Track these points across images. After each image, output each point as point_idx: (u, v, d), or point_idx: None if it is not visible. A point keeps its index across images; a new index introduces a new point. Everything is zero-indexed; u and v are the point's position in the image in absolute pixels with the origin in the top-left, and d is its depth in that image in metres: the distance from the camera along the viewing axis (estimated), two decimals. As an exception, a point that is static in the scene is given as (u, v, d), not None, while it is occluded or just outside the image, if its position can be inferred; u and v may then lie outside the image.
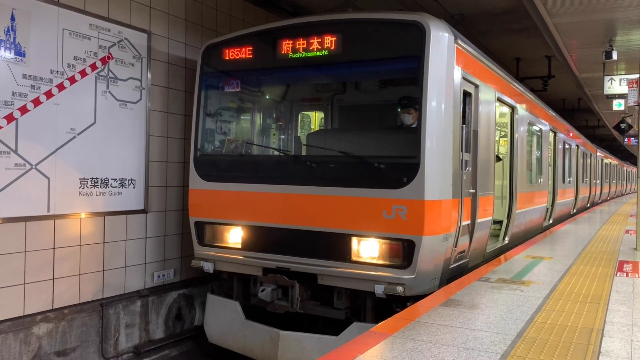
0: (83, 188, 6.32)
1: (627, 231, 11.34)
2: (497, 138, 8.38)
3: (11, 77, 5.53)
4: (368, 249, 5.74)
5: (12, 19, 5.54)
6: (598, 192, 24.85)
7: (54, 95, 5.95)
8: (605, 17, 9.56)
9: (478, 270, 6.47)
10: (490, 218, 7.37)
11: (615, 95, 13.43)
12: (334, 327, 6.03)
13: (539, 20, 9.71)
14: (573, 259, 7.38)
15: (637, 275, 6.30)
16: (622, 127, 17.99)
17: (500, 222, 8.73)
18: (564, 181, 14.48)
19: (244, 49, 6.71)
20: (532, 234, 10.57)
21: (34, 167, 5.79)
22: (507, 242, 8.62)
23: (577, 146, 17.42)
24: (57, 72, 5.99)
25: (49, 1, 5.89)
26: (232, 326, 6.66)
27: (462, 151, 6.18)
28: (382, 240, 5.66)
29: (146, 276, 7.25)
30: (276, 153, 7.51)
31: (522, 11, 9.86)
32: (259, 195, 6.35)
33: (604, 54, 11.08)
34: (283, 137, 8.19)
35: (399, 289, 5.45)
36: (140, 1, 7.05)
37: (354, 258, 5.79)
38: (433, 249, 5.53)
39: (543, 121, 11.56)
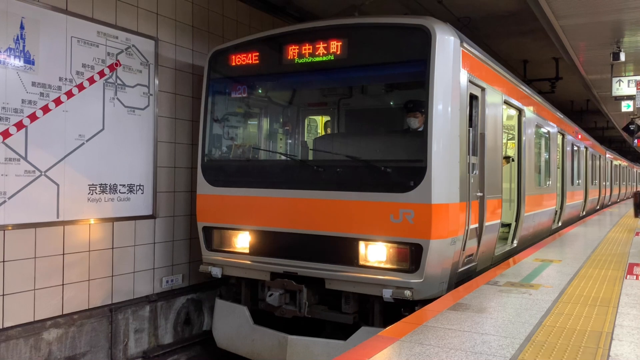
0: (92, 194, 6.37)
1: (637, 233, 11.24)
2: (504, 141, 8.34)
3: (20, 85, 5.60)
4: (376, 253, 5.73)
5: (22, 27, 5.61)
6: (607, 194, 24.67)
7: (62, 102, 6.01)
8: (612, 19, 9.51)
9: (486, 273, 6.45)
10: (499, 221, 7.34)
11: (623, 96, 13.36)
12: (342, 332, 6.03)
13: (546, 22, 9.68)
14: (582, 261, 7.33)
15: (647, 278, 6.26)
16: (632, 128, 17.89)
17: (509, 225, 8.69)
18: (572, 183, 14.39)
19: (250, 55, 6.75)
20: (541, 236, 10.51)
21: (43, 173, 5.84)
22: (515, 245, 8.58)
23: (586, 148, 17.31)
24: (66, 79, 6.05)
25: (57, 9, 5.96)
26: (240, 331, 6.67)
27: (469, 154, 6.17)
28: (389, 245, 5.65)
29: (155, 281, 7.29)
30: (283, 158, 7.52)
31: (528, 13, 9.84)
32: (267, 200, 6.37)
33: (611, 55, 11.03)
34: (290, 141, 8.20)
35: (407, 293, 5.44)
36: (148, 8, 7.12)
37: (361, 262, 5.78)
38: (441, 253, 5.51)
39: (551, 123, 11.51)
